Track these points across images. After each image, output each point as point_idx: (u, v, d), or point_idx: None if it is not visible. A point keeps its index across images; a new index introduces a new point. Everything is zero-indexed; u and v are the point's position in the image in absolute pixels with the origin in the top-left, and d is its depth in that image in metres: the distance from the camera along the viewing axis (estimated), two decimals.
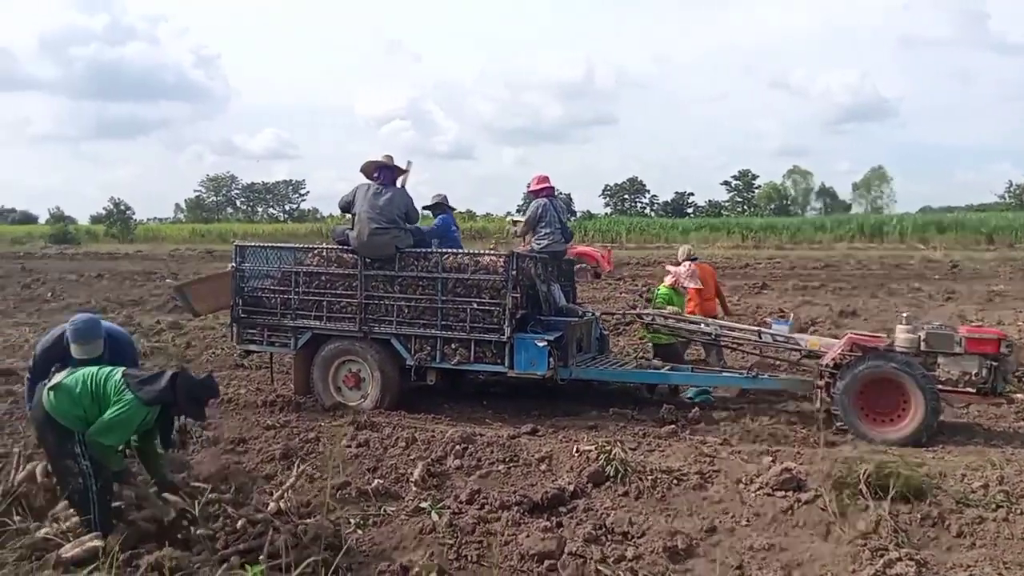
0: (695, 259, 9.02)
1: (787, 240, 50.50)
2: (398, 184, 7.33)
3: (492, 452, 5.66)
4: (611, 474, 5.15)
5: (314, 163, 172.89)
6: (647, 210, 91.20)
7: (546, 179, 8.30)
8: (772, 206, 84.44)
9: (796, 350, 7.05)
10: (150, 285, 20.36)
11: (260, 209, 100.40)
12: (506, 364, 6.77)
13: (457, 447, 5.72)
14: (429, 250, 7.08)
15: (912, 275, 24.12)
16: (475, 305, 6.79)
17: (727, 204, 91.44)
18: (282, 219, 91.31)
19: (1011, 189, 71.09)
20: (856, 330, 9.98)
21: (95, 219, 68.30)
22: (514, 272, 6.70)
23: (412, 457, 5.67)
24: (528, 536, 4.21)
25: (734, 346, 7.90)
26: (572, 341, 7.14)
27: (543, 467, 5.44)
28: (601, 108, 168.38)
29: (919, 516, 4.55)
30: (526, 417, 7.14)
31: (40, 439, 4.49)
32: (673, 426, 6.51)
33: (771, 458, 5.62)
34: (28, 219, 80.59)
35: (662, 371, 7.24)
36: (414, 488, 5.18)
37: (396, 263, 7.02)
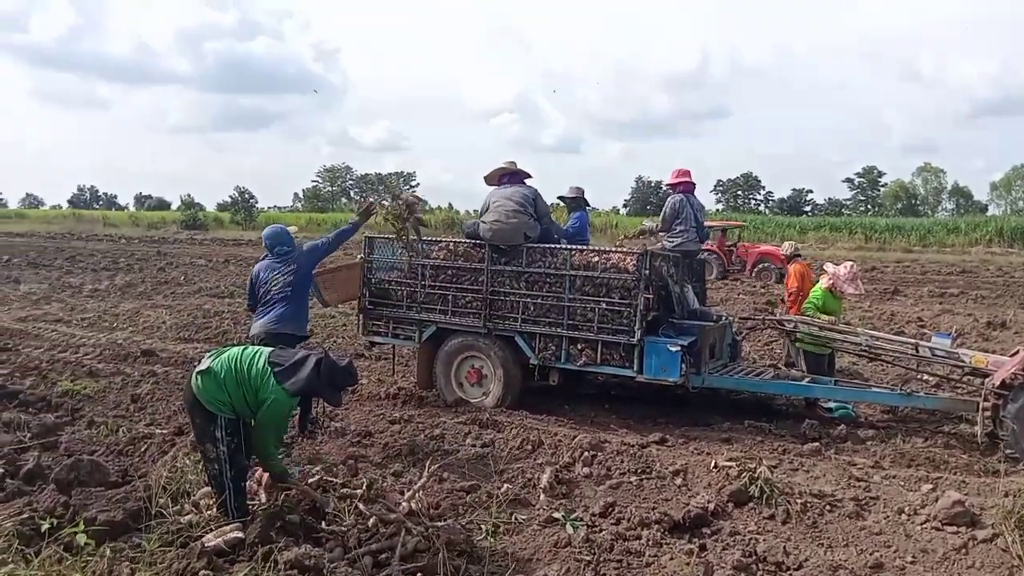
0: (799, 256, 8.48)
1: (915, 242, 47.43)
2: None
3: (622, 462, 5.39)
4: (755, 495, 4.79)
5: (424, 154, 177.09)
6: (761, 207, 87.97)
7: (687, 173, 7.89)
8: (899, 206, 79.63)
9: (959, 367, 6.40)
10: None
11: (373, 199, 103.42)
12: (635, 368, 6.48)
13: (586, 454, 5.49)
14: (557, 246, 6.86)
15: None
16: (604, 305, 6.53)
17: (849, 203, 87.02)
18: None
19: None
20: (1009, 344, 9.08)
21: (221, 206, 72.25)
22: (646, 271, 6.39)
23: (539, 462, 5.48)
24: (672, 559, 3.92)
25: (872, 356, 7.23)
26: (705, 347, 6.75)
27: (678, 481, 5.14)
28: (714, 100, 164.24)
29: None
30: (652, 425, 6.84)
31: (190, 420, 4.58)
32: (816, 443, 6.04)
33: (931, 486, 5.09)
34: (162, 205, 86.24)
35: (803, 383, 6.74)
36: (542, 495, 4.99)
37: (523, 258, 6.85)
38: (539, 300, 6.80)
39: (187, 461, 5.07)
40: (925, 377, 7.75)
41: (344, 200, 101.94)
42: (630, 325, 6.42)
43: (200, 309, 13.41)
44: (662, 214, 7.78)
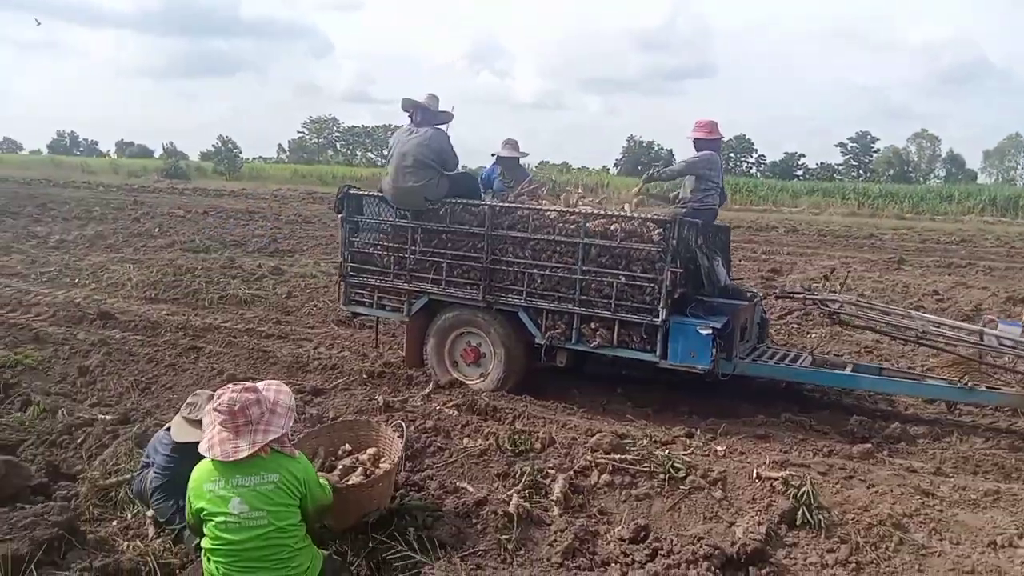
0: None
1: (908, 210, 46.78)
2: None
3: (649, 467, 4.56)
4: (808, 520, 3.99)
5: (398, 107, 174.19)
6: (753, 170, 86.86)
7: (716, 127, 6.81)
8: (891, 172, 78.82)
9: None
10: (253, 225, 20.15)
11: (359, 153, 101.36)
12: (657, 352, 5.63)
13: (602, 458, 4.65)
14: (569, 210, 5.93)
15: None
16: (623, 279, 5.65)
17: (841, 168, 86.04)
18: (379, 164, 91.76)
19: None
20: None
21: (204, 155, 70.30)
22: (674, 242, 5.50)
23: (550, 464, 4.64)
24: None
25: (930, 344, 6.32)
26: (737, 329, 5.91)
27: (717, 494, 4.32)
28: (698, 58, 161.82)
29: None
30: (673, 415, 6.04)
31: None
32: (868, 445, 5.24)
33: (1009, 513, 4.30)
34: (144, 153, 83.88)
35: (846, 373, 5.93)
36: (556, 509, 4.18)
37: (529, 223, 5.94)
38: (547, 272, 5.91)
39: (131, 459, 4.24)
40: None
41: (331, 152, 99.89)
42: (653, 303, 5.55)
43: (171, 265, 12.41)
44: (688, 163, 6.70)
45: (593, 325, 5.82)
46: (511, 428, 5.15)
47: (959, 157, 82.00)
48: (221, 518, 2.96)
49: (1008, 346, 5.61)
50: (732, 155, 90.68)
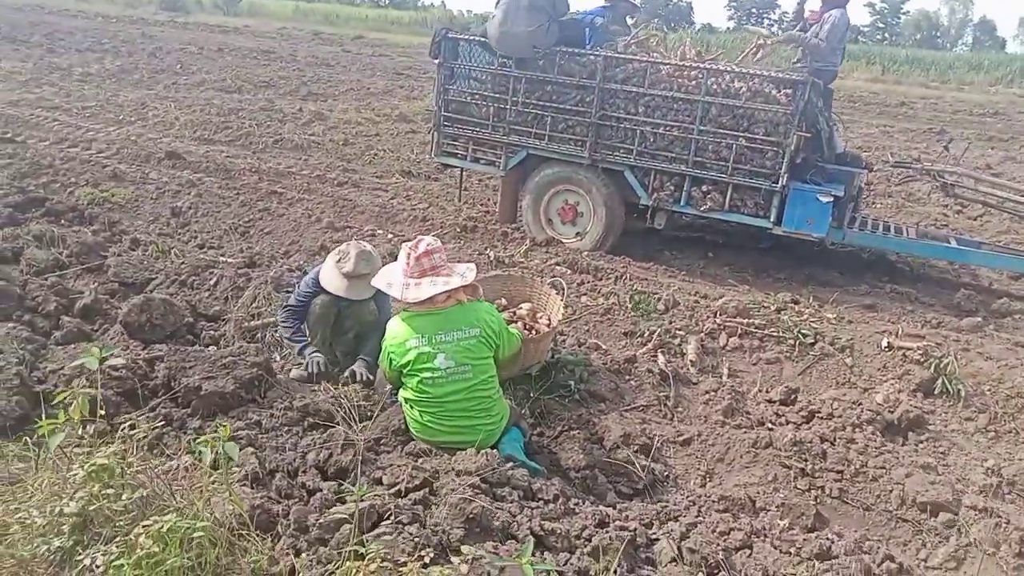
0: None
1: (935, 77, 45.17)
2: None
3: (776, 332, 4.64)
4: (944, 388, 4.10)
5: None
6: (775, 28, 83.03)
7: None
8: (918, 36, 75.59)
9: None
10: (273, 66, 19.37)
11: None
12: (772, 218, 5.57)
13: (730, 322, 4.73)
14: (691, 64, 5.65)
15: None
16: (743, 141, 5.49)
17: (867, 29, 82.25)
18: (383, 4, 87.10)
19: None
20: None
21: None
22: (803, 104, 5.29)
23: (676, 326, 4.71)
24: (909, 476, 3.26)
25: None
26: (850, 198, 5.83)
27: (848, 361, 4.42)
28: None
29: None
30: (772, 281, 6.07)
31: None
32: (977, 319, 5.31)
33: None
34: None
35: (953, 247, 5.90)
36: (692, 369, 4.28)
37: (645, 79, 5.69)
38: (660, 130, 5.73)
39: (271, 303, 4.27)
40: None
41: None
42: (774, 168, 5.43)
43: (211, 104, 12.04)
44: (829, 28, 6.19)
45: (704, 188, 5.72)
46: (631, 288, 5.18)
47: (990, 23, 78.60)
48: (427, 374, 3.01)
49: None
50: (754, 10, 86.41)
